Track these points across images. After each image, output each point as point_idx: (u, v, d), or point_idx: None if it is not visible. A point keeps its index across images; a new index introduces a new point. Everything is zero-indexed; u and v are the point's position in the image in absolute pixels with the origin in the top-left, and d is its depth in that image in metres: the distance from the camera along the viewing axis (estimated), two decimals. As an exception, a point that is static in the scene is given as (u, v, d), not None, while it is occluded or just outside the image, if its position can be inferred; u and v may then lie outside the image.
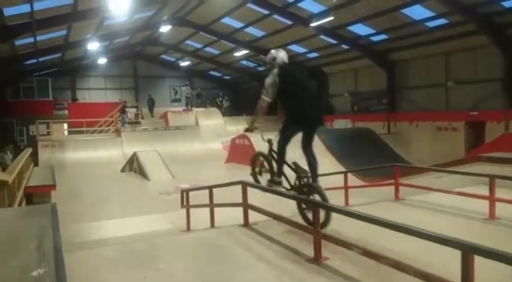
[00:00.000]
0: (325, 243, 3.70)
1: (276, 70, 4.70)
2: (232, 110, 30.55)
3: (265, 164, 5.19)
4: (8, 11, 13.52)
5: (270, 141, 5.23)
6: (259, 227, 4.84)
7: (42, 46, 20.11)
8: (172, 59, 33.73)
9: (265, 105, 4.79)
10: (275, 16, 19.55)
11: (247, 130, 5.40)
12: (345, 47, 21.45)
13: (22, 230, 3.06)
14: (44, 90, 27.67)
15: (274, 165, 5.00)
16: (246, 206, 4.84)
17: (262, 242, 4.30)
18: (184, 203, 6.99)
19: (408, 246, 3.68)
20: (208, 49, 28.60)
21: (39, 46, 19.80)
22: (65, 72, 30.49)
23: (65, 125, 26.89)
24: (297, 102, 4.56)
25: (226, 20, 22.01)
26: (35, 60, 23.78)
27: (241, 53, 26.08)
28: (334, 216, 3.87)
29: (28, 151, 13.11)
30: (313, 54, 24.47)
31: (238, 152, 17.16)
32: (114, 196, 11.01)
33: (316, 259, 3.61)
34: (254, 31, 22.78)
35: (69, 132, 25.63)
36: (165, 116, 26.63)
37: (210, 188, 5.90)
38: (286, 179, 5.00)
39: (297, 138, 4.84)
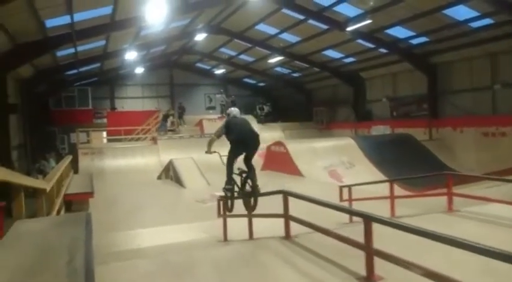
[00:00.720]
0: (377, 259, 3.35)
1: (224, 121, 7.35)
2: (269, 117, 30.32)
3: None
4: (50, 23, 13.90)
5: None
6: (301, 239, 4.52)
7: (83, 56, 20.66)
8: (208, 67, 33.97)
9: (212, 141, 7.40)
10: (310, 21, 19.22)
11: (206, 152, 7.57)
12: (383, 51, 20.82)
13: (54, 241, 2.90)
14: (84, 99, 28.52)
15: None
16: (287, 217, 4.53)
17: (306, 257, 3.98)
18: (221, 212, 6.74)
19: (471, 265, 3.27)
20: (242, 56, 28.58)
21: (79, 56, 20.34)
22: (104, 82, 31.33)
23: (104, 133, 27.53)
24: (237, 137, 6.85)
25: (261, 27, 21.88)
26: (75, 71, 24.51)
27: (275, 59, 25.88)
28: (381, 229, 3.49)
29: (68, 159, 13.35)
30: (350, 59, 23.94)
31: (273, 159, 16.88)
32: (151, 204, 10.96)
33: (369, 278, 3.26)
34: (289, 37, 22.53)
35: (108, 140, 26.18)
36: (200, 123, 26.74)
37: (248, 197, 5.63)
38: (236, 184, 7.30)
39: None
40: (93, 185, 11.39)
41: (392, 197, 7.27)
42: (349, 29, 18.00)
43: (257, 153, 21.80)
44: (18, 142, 19.15)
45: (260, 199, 6.46)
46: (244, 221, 6.11)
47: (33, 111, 23.28)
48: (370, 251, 3.30)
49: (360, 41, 20.23)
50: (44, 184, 5.78)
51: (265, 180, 14.51)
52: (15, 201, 3.95)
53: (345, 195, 7.95)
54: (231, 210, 7.13)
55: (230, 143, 7.05)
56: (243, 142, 6.86)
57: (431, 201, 8.17)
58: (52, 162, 18.88)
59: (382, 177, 14.46)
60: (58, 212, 8.50)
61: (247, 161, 7.10)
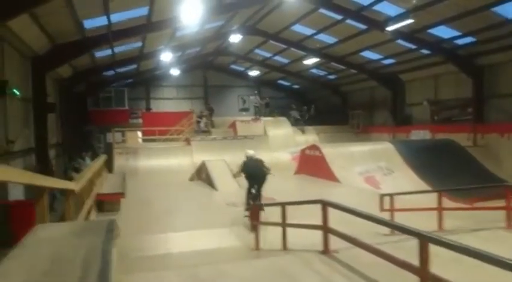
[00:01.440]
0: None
1: (242, 162, 10.14)
2: (303, 119, 29.77)
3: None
4: (88, 24, 14.05)
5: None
6: (342, 256, 4.09)
7: (120, 57, 20.94)
8: (242, 69, 33.82)
9: (237, 174, 10.39)
10: (348, 21, 18.61)
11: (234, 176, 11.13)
12: (425, 52, 19.89)
13: (70, 252, 2.62)
14: (120, 99, 28.98)
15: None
16: (326, 229, 4.10)
17: (347, 276, 3.55)
18: (253, 221, 6.38)
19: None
20: (277, 58, 28.22)
21: (116, 58, 20.63)
22: (140, 83, 31.78)
23: (139, 133, 27.85)
24: (251, 176, 9.67)
25: (297, 27, 21.44)
26: (113, 72, 24.93)
27: (311, 61, 25.31)
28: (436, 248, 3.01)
29: (102, 158, 13.39)
30: (389, 61, 23.07)
31: (308, 163, 16.39)
32: (182, 205, 10.77)
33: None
34: (325, 38, 21.96)
35: (143, 140, 26.44)
36: (233, 125, 26.54)
37: (283, 205, 5.23)
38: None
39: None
40: (125, 186, 11.35)
41: (440, 209, 6.67)
42: (389, 28, 17.24)
43: (291, 156, 21.29)
44: (56, 140, 19.56)
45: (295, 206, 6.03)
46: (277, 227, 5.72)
47: (72, 110, 23.80)
48: (425, 276, 2.83)
49: (400, 41, 19.41)
50: (72, 185, 5.60)
51: (302, 184, 14.13)
52: (38, 204, 3.74)
53: (386, 204, 7.41)
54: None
55: (245, 178, 9.89)
56: (254, 178, 9.79)
57: (479, 214, 7.50)
58: (88, 161, 19.10)
59: (422, 184, 13.70)
60: (89, 212, 8.40)
61: (258, 189, 9.79)
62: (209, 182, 13.93)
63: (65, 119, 20.45)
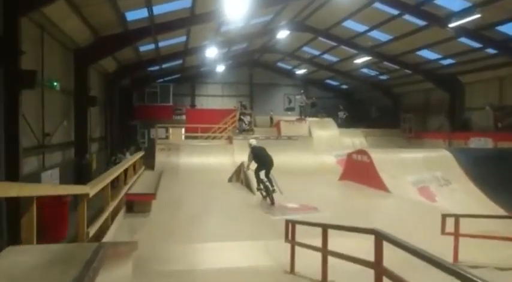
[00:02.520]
0: None
1: (250, 150, 11.41)
2: (349, 121, 28.45)
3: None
4: (130, 16, 13.71)
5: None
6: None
7: (164, 52, 20.66)
8: (289, 67, 32.90)
9: (248, 163, 11.65)
10: (406, 16, 17.17)
11: (246, 170, 12.55)
12: (490, 51, 18.03)
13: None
14: (166, 95, 29.00)
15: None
16: (381, 271, 3.13)
17: None
18: (289, 237, 5.50)
19: None
20: (326, 56, 27.03)
21: (161, 52, 20.36)
22: (186, 79, 31.70)
23: (183, 130, 27.68)
24: (260, 160, 10.99)
25: (349, 23, 20.21)
26: (158, 67, 24.82)
27: (362, 59, 23.94)
28: None
29: (138, 155, 13.00)
30: (448, 61, 21.26)
31: (355, 169, 15.21)
32: (215, 210, 10.04)
33: None
34: (379, 35, 20.56)
35: (185, 137, 26.22)
36: (277, 125, 25.69)
37: (325, 228, 4.30)
38: (264, 185, 11.03)
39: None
40: (158, 186, 10.80)
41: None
42: (451, 25, 15.70)
43: (336, 159, 19.90)
44: (99, 134, 19.59)
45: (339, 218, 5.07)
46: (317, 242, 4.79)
47: (117, 105, 23.92)
48: None
49: (463, 39, 17.70)
50: (86, 189, 4.98)
51: (347, 193, 12.98)
52: (24, 216, 3.07)
53: (448, 226, 6.28)
54: (272, 202, 10.57)
55: (256, 163, 11.13)
56: (264, 163, 11.08)
57: None
58: (128, 156, 19.00)
59: (485, 199, 12.20)
60: (114, 213, 7.86)
61: (267, 174, 11.12)
62: (247, 185, 13.16)
63: (109, 113, 20.46)
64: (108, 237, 6.68)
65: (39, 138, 10.61)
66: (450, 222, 6.32)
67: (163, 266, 5.79)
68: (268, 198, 10.75)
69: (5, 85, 7.42)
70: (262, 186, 11.01)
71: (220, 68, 29.42)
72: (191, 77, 31.81)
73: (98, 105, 18.62)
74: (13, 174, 7.57)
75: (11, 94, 7.56)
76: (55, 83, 11.52)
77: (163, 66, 25.23)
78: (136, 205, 9.23)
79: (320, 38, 23.38)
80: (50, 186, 4.67)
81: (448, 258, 5.78)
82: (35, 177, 9.78)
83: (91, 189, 5.14)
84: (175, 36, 18.28)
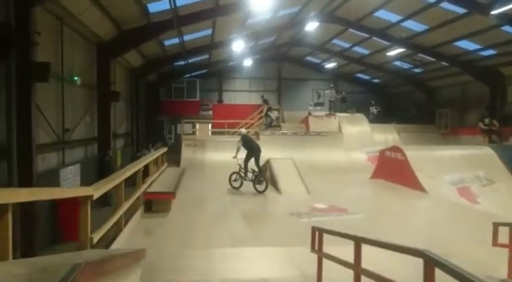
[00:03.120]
0: None
1: (240, 139, 12.23)
2: (381, 117, 27.33)
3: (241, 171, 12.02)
4: (152, 7, 13.31)
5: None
6: None
7: (190, 46, 20.26)
8: (318, 61, 31.97)
9: (237, 150, 11.99)
10: (443, 4, 16.01)
11: (233, 157, 11.99)
12: (538, 40, 16.66)
13: None
14: (192, 91, 28.69)
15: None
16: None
17: None
18: (316, 246, 4.85)
19: None
20: (356, 49, 25.95)
21: (186, 46, 19.96)
22: (213, 74, 31.33)
23: (209, 126, 27.33)
24: (249, 147, 11.92)
25: (381, 13, 19.14)
26: (184, 62, 24.49)
27: (395, 51, 22.78)
28: None
29: (159, 151, 12.61)
30: (489, 52, 19.85)
31: (388, 166, 14.32)
32: (238, 209, 9.47)
33: None
34: (413, 25, 19.40)
35: (212, 133, 25.84)
36: (305, 120, 24.90)
37: (358, 242, 3.62)
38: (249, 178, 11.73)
39: None
40: (179, 184, 10.35)
41: None
42: (494, 12, 14.50)
43: (367, 157, 19.08)
44: (125, 130, 19.43)
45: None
46: (346, 253, 4.12)
47: (143, 100, 23.78)
48: None
49: (506, 27, 16.38)
50: (89, 190, 4.50)
51: (379, 193, 12.12)
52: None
53: (501, 236, 5.44)
54: (239, 187, 11.92)
55: (245, 149, 11.88)
56: (252, 150, 11.86)
57: None
58: (153, 152, 18.75)
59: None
60: (131, 213, 7.44)
61: (257, 162, 11.88)
62: (273, 183, 12.52)
63: (135, 109, 20.27)
64: (120, 240, 6.23)
65: (58, 134, 10.34)
66: (503, 230, 5.49)
67: (175, 275, 5.26)
68: (255, 187, 11.45)
69: (17, 78, 7.08)
70: (250, 176, 11.79)
71: (248, 63, 28.84)
72: (218, 72, 31.39)
73: (123, 101, 18.50)
74: (26, 171, 7.25)
75: (23, 87, 7.22)
76: (75, 77, 11.24)
77: (190, 61, 24.89)
78: (155, 204, 8.79)
79: (351, 30, 22.39)
80: (45, 190, 4.20)
81: (501, 272, 4.99)
82: (53, 174, 9.51)
83: (95, 191, 4.66)
84: (201, 29, 17.83)
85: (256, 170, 11.80)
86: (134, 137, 20.12)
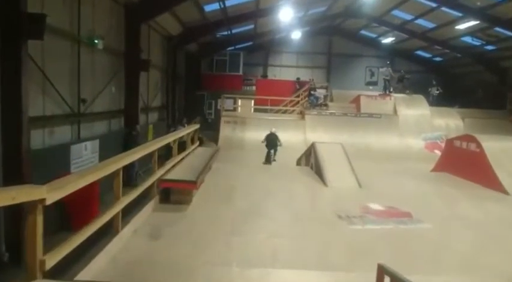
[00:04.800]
0: None
1: (265, 136, 15.48)
2: (441, 100, 24.42)
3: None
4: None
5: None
6: None
7: (232, 13, 18.42)
8: (373, 35, 29.16)
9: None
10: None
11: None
12: None
13: None
14: (235, 64, 26.99)
15: None
16: None
17: None
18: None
19: None
20: (420, 21, 23.03)
21: (229, 13, 18.14)
22: (258, 47, 29.44)
23: (252, 102, 25.66)
24: (269, 143, 15.24)
25: (456, -23, 16.36)
26: (227, 32, 22.74)
27: (466, 25, 19.81)
28: None
29: (187, 129, 11.08)
30: None
31: (456, 159, 12.01)
32: (274, 205, 7.76)
33: None
34: (493, -8, 16.48)
35: (254, 110, 24.17)
36: (357, 100, 22.57)
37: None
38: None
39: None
40: (207, 168, 8.77)
41: None
42: None
43: (424, 144, 19.77)
44: (160, 103, 18.16)
45: None
46: None
47: (182, 72, 22.41)
48: None
49: None
50: (38, 192, 2.95)
51: (446, 190, 9.89)
52: None
53: None
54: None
55: (266, 145, 15.31)
56: (270, 145, 15.23)
57: None
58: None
59: None
60: (143, 204, 5.96)
61: (274, 153, 15.45)
62: (317, 171, 10.66)
63: (171, 80, 18.90)
64: (112, 248, 4.72)
65: (72, 105, 9.00)
66: None
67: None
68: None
69: (3, 34, 5.64)
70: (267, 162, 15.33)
71: (296, 36, 26.60)
72: (264, 45, 29.41)
73: (158, 71, 17.14)
74: (13, 147, 5.90)
75: (10, 45, 5.80)
76: (96, 40, 9.79)
77: (234, 31, 23.10)
78: (174, 194, 7.26)
79: (415, -1, 19.66)
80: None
81: None
82: (61, 151, 8.21)
83: (50, 193, 3.09)
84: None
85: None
86: (170, 111, 18.84)
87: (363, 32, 29.20)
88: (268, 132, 15.62)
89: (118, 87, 12.05)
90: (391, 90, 23.58)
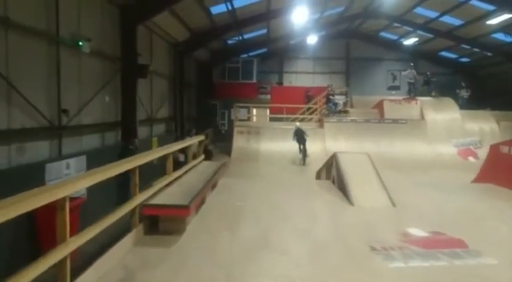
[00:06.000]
0: None
1: (293, 131, 16.89)
2: (470, 103, 22.53)
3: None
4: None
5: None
6: None
7: (242, 15, 17.13)
8: (394, 37, 27.51)
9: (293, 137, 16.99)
10: None
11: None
12: None
13: None
14: (248, 71, 25.66)
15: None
16: None
17: None
18: None
19: None
20: (445, 18, 21.32)
21: (238, 15, 16.85)
22: (272, 54, 28.25)
23: (267, 111, 24.25)
24: (298, 138, 16.71)
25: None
26: (239, 38, 21.48)
27: (499, 19, 17.98)
28: None
29: (183, 143, 9.70)
30: None
31: (504, 168, 10.25)
32: (289, 232, 6.21)
33: None
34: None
35: (270, 119, 22.78)
36: (379, 105, 20.97)
37: None
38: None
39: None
40: (204, 191, 7.29)
41: None
42: None
43: (457, 150, 18.34)
44: (167, 114, 16.92)
45: None
46: None
47: (193, 81, 21.23)
48: None
49: None
50: None
51: (494, 206, 8.12)
52: None
53: None
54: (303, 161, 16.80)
55: (296, 140, 16.70)
56: (299, 140, 16.50)
57: None
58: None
59: None
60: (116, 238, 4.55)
61: (304, 146, 16.65)
62: (340, 187, 9.08)
63: (178, 89, 17.65)
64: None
65: (51, 117, 7.70)
66: None
67: None
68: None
69: None
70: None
71: (312, 40, 25.13)
72: (278, 51, 28.12)
73: (164, 80, 15.96)
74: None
75: None
76: (81, 42, 8.54)
77: (245, 37, 21.83)
78: (162, 222, 5.84)
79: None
80: None
81: None
82: (34, 171, 6.88)
83: None
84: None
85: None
86: (178, 122, 17.54)
87: (383, 34, 27.60)
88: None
89: (113, 96, 10.79)
90: (416, 93, 21.91)
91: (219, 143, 21.73)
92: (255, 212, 7.23)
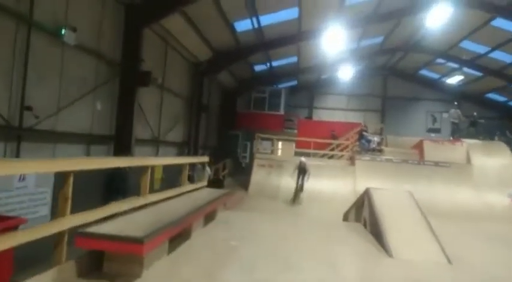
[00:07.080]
0: None
1: (296, 165, 15.30)
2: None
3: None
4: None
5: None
6: None
7: (270, 35, 15.64)
8: (435, 75, 25.52)
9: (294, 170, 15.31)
10: None
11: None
12: None
13: None
14: (275, 102, 24.05)
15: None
16: None
17: None
18: None
19: None
20: (496, 54, 19.20)
21: (265, 35, 15.40)
22: (302, 88, 26.89)
23: (293, 145, 22.40)
24: (298, 170, 15.06)
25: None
26: (266, 65, 20.06)
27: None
28: None
29: (168, 160, 7.91)
30: None
31: None
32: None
33: None
34: None
35: (295, 154, 20.87)
36: (419, 145, 18.76)
37: None
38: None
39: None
40: (177, 224, 5.32)
41: None
42: None
43: (510, 201, 15.60)
44: (181, 138, 15.35)
45: None
46: None
47: (215, 107, 19.82)
48: None
49: None
50: None
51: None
52: None
53: None
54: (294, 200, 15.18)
55: (297, 172, 15.27)
56: (300, 172, 15.15)
57: None
58: (208, 170, 14.35)
59: None
60: None
61: (303, 179, 15.10)
62: (375, 232, 6.93)
63: (195, 112, 16.13)
64: None
65: (8, 115, 6.11)
66: None
67: None
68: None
69: None
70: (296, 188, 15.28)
71: (345, 75, 23.45)
72: (309, 85, 26.57)
73: (179, 99, 14.51)
74: None
75: None
76: (63, 31, 7.09)
77: (274, 64, 20.41)
78: (109, 261, 3.95)
79: (492, 24, 16.03)
80: None
81: None
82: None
83: None
84: (282, 8, 13.18)
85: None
86: (192, 148, 15.86)
87: (423, 72, 25.66)
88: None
89: (109, 105, 9.25)
90: (461, 135, 19.59)
91: (238, 176, 19.97)
92: (252, 257, 5.15)
